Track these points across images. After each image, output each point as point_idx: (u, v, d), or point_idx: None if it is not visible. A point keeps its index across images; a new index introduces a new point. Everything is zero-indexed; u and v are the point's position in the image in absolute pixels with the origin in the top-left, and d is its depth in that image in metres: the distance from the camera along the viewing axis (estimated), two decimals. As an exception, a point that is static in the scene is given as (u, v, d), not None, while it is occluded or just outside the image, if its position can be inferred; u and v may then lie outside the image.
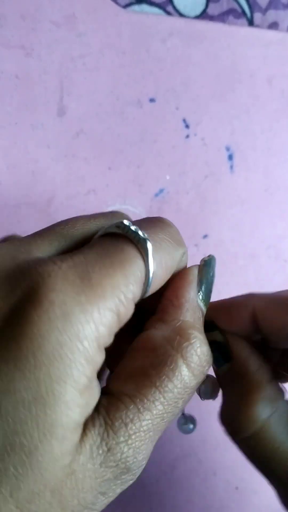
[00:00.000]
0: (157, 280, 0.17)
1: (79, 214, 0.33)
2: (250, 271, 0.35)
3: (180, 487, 0.33)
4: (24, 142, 0.33)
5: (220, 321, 0.21)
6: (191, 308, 0.18)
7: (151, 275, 0.16)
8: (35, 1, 0.33)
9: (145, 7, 0.34)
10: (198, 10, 0.35)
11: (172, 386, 0.16)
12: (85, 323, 0.14)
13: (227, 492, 0.34)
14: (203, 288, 0.19)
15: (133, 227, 0.16)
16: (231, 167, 0.35)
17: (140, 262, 0.16)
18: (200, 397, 0.20)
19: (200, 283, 0.19)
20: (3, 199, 0.32)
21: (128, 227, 0.16)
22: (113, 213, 0.19)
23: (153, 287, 0.17)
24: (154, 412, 0.15)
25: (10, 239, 0.17)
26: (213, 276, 0.20)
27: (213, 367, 0.20)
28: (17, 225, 0.32)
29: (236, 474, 0.34)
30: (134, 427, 0.15)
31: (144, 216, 0.34)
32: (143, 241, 0.16)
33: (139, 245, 0.16)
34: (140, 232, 0.16)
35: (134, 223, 0.17)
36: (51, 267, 0.15)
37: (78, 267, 0.15)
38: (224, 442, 0.34)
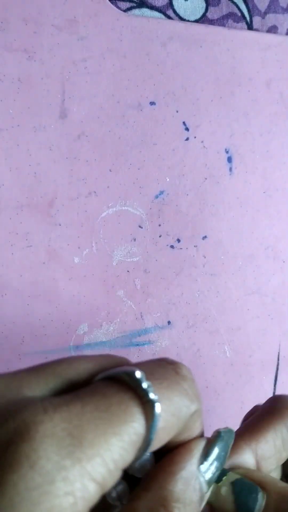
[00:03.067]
0: (157, 443, 0.15)
1: (80, 216, 0.34)
2: (249, 271, 0.35)
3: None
4: (26, 144, 0.33)
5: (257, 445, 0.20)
6: (185, 478, 0.15)
7: (151, 442, 0.14)
8: (37, 5, 0.33)
9: (145, 11, 0.35)
10: (198, 14, 0.35)
11: None
12: (63, 497, 0.12)
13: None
14: (211, 464, 0.16)
15: (144, 384, 0.14)
16: (230, 169, 0.35)
17: (141, 427, 0.14)
18: None
19: (205, 455, 0.16)
20: (5, 200, 0.33)
21: (139, 382, 0.14)
22: (112, 357, 0.17)
23: (151, 448, 0.15)
24: None
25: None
26: (225, 454, 0.17)
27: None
28: (19, 227, 0.33)
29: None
30: None
31: (144, 217, 0.34)
32: (152, 405, 0.14)
33: (147, 407, 0.14)
34: (151, 393, 0.14)
35: (146, 374, 0.15)
36: (41, 416, 0.12)
37: (72, 420, 0.13)
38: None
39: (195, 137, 0.35)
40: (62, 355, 0.34)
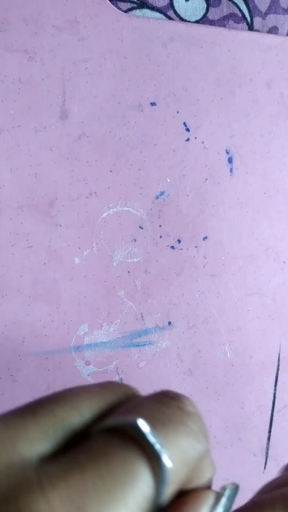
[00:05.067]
0: (166, 497, 0.14)
1: (81, 216, 0.34)
2: (249, 272, 0.35)
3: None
4: (26, 145, 0.33)
5: None
6: None
7: (161, 500, 0.13)
8: (38, 5, 0.33)
9: (146, 11, 0.35)
10: (199, 15, 0.35)
11: None
12: None
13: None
14: None
15: (150, 438, 0.13)
16: (231, 170, 0.35)
17: (149, 488, 0.13)
18: None
19: None
20: (6, 201, 0.33)
21: (145, 436, 0.13)
22: (115, 388, 0.16)
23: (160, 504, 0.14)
24: None
25: None
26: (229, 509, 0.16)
27: None
28: (19, 227, 0.33)
29: (234, 474, 0.35)
30: None
31: (145, 218, 0.34)
32: (159, 460, 0.13)
33: (154, 461, 0.13)
34: (157, 446, 0.13)
35: (148, 416, 0.14)
36: (37, 500, 0.11)
37: (72, 498, 0.12)
38: (223, 441, 0.35)
39: (195, 138, 0.35)
40: (62, 355, 0.34)
